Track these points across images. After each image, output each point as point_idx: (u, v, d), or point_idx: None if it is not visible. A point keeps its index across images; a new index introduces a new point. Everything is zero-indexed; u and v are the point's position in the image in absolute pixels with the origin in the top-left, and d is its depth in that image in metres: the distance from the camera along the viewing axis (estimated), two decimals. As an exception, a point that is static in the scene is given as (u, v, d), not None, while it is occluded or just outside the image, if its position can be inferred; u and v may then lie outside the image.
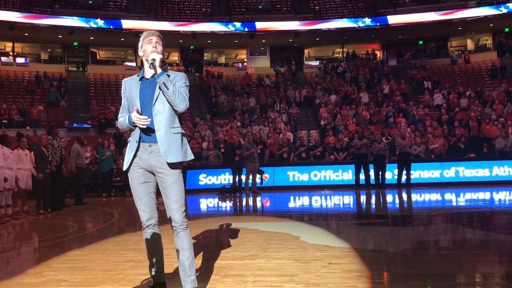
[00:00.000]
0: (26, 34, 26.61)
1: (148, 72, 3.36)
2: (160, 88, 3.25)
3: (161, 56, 3.28)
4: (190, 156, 3.37)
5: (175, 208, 3.25)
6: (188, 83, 3.37)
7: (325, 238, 5.76)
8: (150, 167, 3.30)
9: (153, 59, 3.25)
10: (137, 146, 3.30)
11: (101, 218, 9.27)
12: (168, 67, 3.50)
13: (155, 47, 3.32)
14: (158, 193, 3.36)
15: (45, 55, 29.24)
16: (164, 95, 3.24)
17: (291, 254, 4.74)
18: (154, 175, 3.34)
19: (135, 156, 3.32)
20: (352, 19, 28.03)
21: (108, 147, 14.36)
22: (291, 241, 5.54)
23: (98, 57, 30.22)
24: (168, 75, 3.28)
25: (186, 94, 3.30)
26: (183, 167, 3.43)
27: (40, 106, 21.76)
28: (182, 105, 3.26)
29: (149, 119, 3.24)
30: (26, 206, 9.60)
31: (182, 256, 3.24)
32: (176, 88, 3.24)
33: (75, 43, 28.75)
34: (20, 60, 27.97)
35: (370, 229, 6.80)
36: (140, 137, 3.30)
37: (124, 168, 3.37)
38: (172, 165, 3.26)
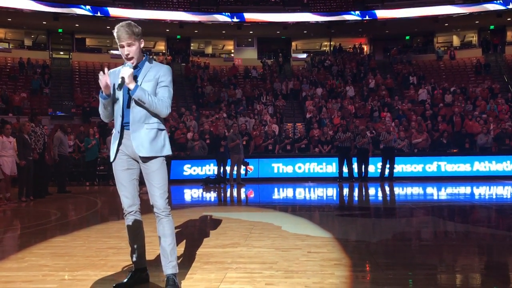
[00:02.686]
0: (9, 20, 26.13)
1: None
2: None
3: (131, 71, 3.18)
4: (167, 152, 3.36)
5: (157, 194, 3.29)
6: (171, 78, 3.35)
7: (306, 228, 5.84)
8: (133, 153, 3.32)
9: (122, 78, 3.17)
10: (120, 135, 3.33)
11: (84, 206, 9.24)
12: (154, 57, 3.49)
13: (129, 53, 3.24)
14: (142, 183, 3.38)
15: (28, 41, 28.75)
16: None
17: (272, 243, 4.81)
18: (138, 162, 3.36)
19: (119, 145, 3.34)
20: (340, 12, 28.10)
21: (93, 135, 14.29)
22: (273, 230, 5.62)
23: (83, 44, 29.84)
24: (151, 61, 3.29)
25: (169, 96, 3.29)
26: (167, 157, 3.45)
27: (23, 93, 21.47)
28: (164, 111, 3.26)
29: (106, 75, 3.21)
30: (9, 193, 9.52)
31: (163, 242, 3.29)
32: (153, 98, 3.20)
33: (60, 30, 28.34)
34: (2, 46, 27.49)
35: (351, 220, 6.90)
36: (123, 125, 3.32)
37: (111, 159, 3.39)
38: (147, 158, 3.28)
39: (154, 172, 3.30)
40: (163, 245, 3.28)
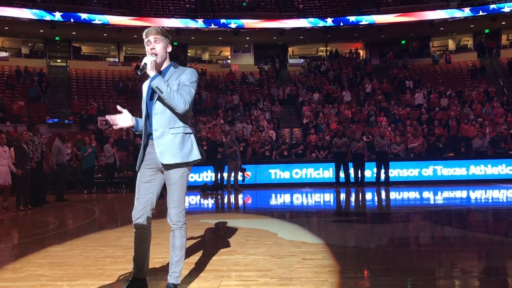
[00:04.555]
0: (7, 28, 26.24)
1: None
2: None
3: (153, 58, 3.23)
4: (195, 157, 3.33)
5: (171, 207, 3.31)
6: (194, 79, 3.30)
7: (302, 234, 5.90)
8: (157, 163, 3.34)
9: (145, 63, 3.21)
10: (145, 144, 3.37)
11: (81, 214, 9.28)
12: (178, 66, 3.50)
13: (154, 47, 3.30)
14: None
15: (26, 49, 28.87)
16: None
17: (268, 250, 4.87)
18: (162, 173, 3.37)
19: (143, 155, 3.38)
20: (335, 18, 28.28)
21: (89, 143, 14.34)
22: (269, 237, 5.67)
23: (80, 52, 29.95)
24: (176, 67, 3.36)
25: (189, 92, 3.22)
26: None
27: (21, 102, 21.54)
28: (180, 106, 3.18)
29: (115, 120, 3.34)
30: (7, 202, 9.55)
31: (171, 252, 3.34)
32: (172, 90, 3.18)
33: (57, 38, 28.43)
34: (0, 54, 27.58)
35: (347, 226, 6.96)
36: (148, 135, 3.36)
37: (136, 168, 3.44)
38: (170, 165, 3.28)
39: (172, 184, 3.30)
40: (171, 254, 3.35)
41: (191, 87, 3.27)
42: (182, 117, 3.30)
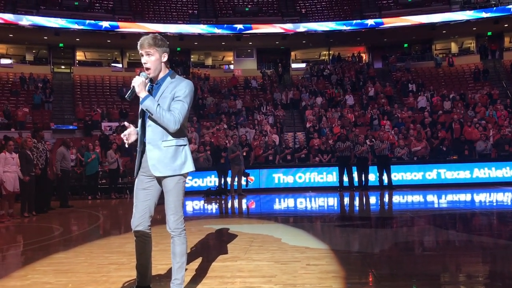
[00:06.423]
0: (11, 35, 26.39)
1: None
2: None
3: (142, 79, 3.21)
4: (188, 169, 3.31)
5: (169, 214, 3.30)
6: (187, 92, 3.25)
7: (306, 240, 5.90)
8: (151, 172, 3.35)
9: (133, 86, 3.20)
10: (142, 152, 3.36)
11: (86, 220, 9.31)
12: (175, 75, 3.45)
13: (146, 62, 3.26)
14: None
15: (30, 56, 29.00)
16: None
17: (272, 256, 4.87)
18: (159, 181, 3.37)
19: (140, 163, 3.37)
20: (338, 22, 28.31)
21: (93, 149, 14.39)
22: (273, 243, 5.67)
23: (84, 58, 30.08)
24: (173, 77, 3.30)
25: (181, 110, 3.20)
26: None
27: (25, 108, 21.64)
28: (171, 125, 3.18)
29: (125, 137, 3.35)
30: (12, 209, 9.59)
31: (173, 259, 3.33)
32: (162, 111, 3.16)
33: (61, 45, 28.56)
34: (4, 61, 27.70)
35: (351, 230, 6.95)
36: (143, 142, 3.36)
37: (134, 175, 3.44)
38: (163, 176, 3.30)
39: (168, 192, 3.30)
40: (172, 262, 3.33)
41: (185, 102, 3.23)
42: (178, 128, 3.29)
